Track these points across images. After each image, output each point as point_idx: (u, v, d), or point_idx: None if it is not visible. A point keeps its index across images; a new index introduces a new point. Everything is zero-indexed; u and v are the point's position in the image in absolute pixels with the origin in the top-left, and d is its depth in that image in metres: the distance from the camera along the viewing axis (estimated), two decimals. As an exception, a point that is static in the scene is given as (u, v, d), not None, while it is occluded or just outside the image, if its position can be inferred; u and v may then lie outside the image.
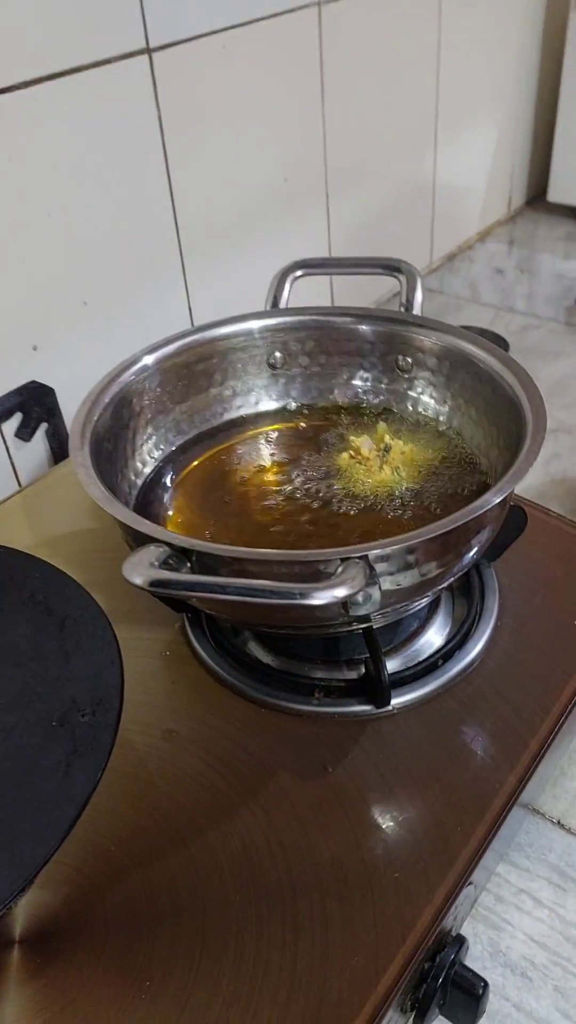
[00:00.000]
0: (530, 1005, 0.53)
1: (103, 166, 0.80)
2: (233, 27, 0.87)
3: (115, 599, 0.58)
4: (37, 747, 0.45)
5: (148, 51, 0.79)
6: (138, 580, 0.42)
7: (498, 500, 0.49)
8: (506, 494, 0.49)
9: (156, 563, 0.43)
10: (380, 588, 0.48)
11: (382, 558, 0.46)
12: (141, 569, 0.42)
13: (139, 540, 0.48)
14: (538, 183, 1.59)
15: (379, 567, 0.46)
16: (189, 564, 0.46)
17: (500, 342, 1.05)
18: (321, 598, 0.41)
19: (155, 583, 0.42)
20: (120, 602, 0.59)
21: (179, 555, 0.46)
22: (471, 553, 0.52)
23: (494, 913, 0.57)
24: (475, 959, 0.55)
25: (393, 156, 1.20)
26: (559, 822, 0.62)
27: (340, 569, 0.43)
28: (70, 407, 0.85)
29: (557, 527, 0.71)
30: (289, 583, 0.41)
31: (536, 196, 1.60)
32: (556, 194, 1.50)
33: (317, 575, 0.46)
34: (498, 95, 1.39)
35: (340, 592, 0.41)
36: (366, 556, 0.45)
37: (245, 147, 0.95)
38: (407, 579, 0.49)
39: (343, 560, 0.44)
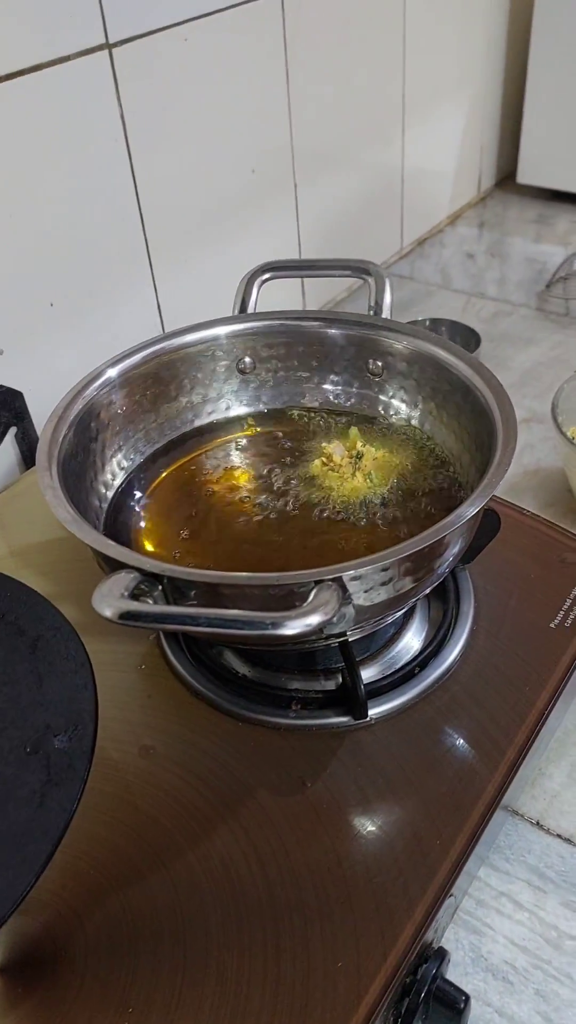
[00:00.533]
0: (512, 1010, 0.54)
1: (65, 165, 0.78)
2: (195, 18, 0.85)
3: (88, 612, 0.56)
4: (11, 777, 0.45)
5: (108, 46, 0.78)
6: (108, 612, 0.41)
7: (472, 513, 0.49)
8: (479, 507, 0.49)
9: (126, 592, 0.42)
10: (354, 606, 0.48)
11: (356, 578, 0.46)
12: (111, 600, 0.42)
13: (110, 563, 0.47)
14: (507, 164, 1.58)
15: (352, 586, 0.46)
16: (161, 587, 0.46)
17: (471, 335, 1.05)
18: (294, 627, 0.40)
19: (125, 615, 0.41)
20: (93, 614, 0.58)
21: (150, 579, 0.45)
22: (445, 565, 0.52)
23: (475, 918, 0.58)
24: (456, 965, 0.55)
25: (361, 141, 1.19)
26: (538, 823, 0.63)
27: (313, 594, 0.43)
28: (40, 410, 0.84)
29: (531, 526, 0.71)
30: (261, 613, 0.41)
31: (506, 177, 1.59)
32: (525, 175, 1.50)
33: (291, 595, 0.45)
34: (466, 76, 1.38)
35: (314, 620, 0.40)
36: (339, 578, 0.44)
37: (211, 140, 0.93)
38: (381, 595, 0.49)
39: (316, 583, 0.44)
